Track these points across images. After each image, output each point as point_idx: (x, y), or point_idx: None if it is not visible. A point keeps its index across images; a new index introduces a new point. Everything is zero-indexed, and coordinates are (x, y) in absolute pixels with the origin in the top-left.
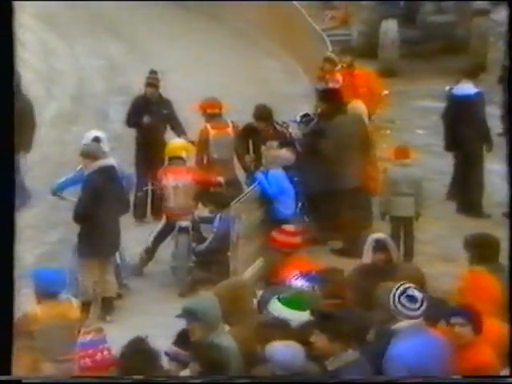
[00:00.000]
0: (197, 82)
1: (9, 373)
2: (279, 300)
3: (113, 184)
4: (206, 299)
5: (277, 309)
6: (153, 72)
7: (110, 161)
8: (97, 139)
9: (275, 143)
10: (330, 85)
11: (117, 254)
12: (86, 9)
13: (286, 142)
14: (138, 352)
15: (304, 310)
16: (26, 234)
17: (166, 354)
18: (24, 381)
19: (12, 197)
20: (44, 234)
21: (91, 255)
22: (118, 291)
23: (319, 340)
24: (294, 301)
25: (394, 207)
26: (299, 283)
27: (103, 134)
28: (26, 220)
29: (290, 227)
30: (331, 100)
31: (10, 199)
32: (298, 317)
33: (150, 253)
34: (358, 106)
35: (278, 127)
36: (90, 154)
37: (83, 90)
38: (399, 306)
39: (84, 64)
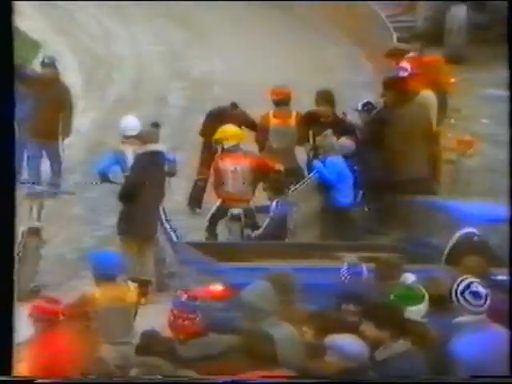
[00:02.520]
0: (259, 69)
1: (9, 373)
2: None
3: (158, 169)
4: (262, 287)
5: None
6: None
7: (160, 146)
8: (156, 125)
9: (330, 131)
10: (398, 73)
11: (173, 234)
12: None
13: (345, 130)
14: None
15: (418, 303)
16: (85, 218)
17: None
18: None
19: (12, 189)
20: (104, 217)
21: (128, 234)
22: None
23: (368, 329)
24: (407, 297)
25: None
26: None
27: (137, 120)
28: (86, 204)
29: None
30: (397, 89)
31: (10, 193)
32: (417, 312)
33: (210, 233)
34: (427, 95)
35: (338, 114)
36: (145, 138)
37: (143, 76)
38: (462, 301)
39: (144, 49)
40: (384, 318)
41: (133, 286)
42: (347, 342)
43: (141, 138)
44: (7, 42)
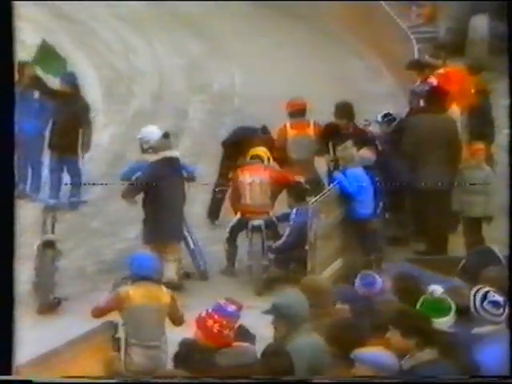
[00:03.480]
0: (278, 80)
1: (9, 373)
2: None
3: (174, 173)
4: (296, 296)
5: None
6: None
7: (175, 153)
8: (166, 135)
9: (350, 142)
10: (425, 86)
11: (190, 240)
12: (167, 8)
13: (365, 141)
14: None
15: (446, 315)
16: (105, 231)
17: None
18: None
19: (11, 196)
20: (123, 230)
21: (153, 241)
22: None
23: (393, 337)
24: (435, 308)
25: (468, 207)
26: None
27: (159, 130)
28: (105, 217)
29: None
30: (425, 98)
31: (9, 199)
32: (444, 322)
33: (230, 245)
34: (453, 107)
35: (358, 125)
36: (156, 148)
37: (163, 89)
38: (482, 312)
39: (165, 63)
40: (410, 327)
41: (166, 290)
42: (376, 355)
43: (153, 148)
44: (7, 43)
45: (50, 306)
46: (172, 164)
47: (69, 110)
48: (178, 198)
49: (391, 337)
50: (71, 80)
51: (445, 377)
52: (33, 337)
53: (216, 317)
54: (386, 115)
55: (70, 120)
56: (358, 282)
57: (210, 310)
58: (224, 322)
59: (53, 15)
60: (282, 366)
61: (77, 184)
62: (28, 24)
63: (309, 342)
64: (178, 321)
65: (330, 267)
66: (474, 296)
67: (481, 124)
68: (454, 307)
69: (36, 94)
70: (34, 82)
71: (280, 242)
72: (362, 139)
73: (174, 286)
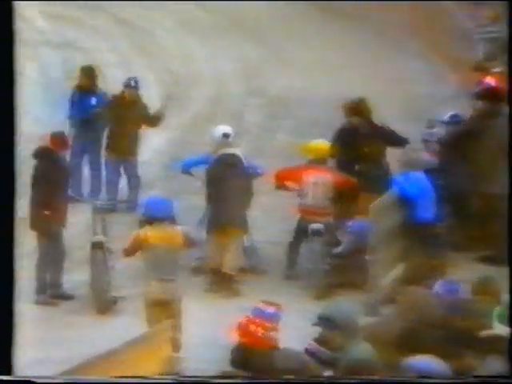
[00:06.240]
0: (336, 83)
1: (9, 373)
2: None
3: (237, 170)
4: (344, 306)
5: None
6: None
7: (235, 150)
8: (226, 135)
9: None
10: (487, 86)
11: (245, 237)
12: (223, 12)
13: (387, 136)
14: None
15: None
16: None
17: (307, 350)
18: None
19: (12, 191)
20: None
21: (215, 228)
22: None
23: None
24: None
25: None
26: (439, 290)
27: (231, 129)
28: None
29: None
30: (488, 100)
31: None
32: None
33: (291, 253)
34: None
35: (375, 123)
36: (216, 147)
37: (220, 93)
38: None
39: (222, 67)
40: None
41: (180, 229)
42: (426, 363)
43: (213, 147)
44: (7, 44)
45: (106, 305)
46: (233, 160)
47: (128, 113)
48: (241, 190)
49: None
50: (134, 85)
51: (445, 377)
52: (33, 337)
53: (258, 321)
54: (453, 116)
55: (129, 122)
56: (438, 288)
57: (250, 316)
58: (267, 325)
59: (113, 21)
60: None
61: (134, 186)
62: (89, 31)
63: (362, 350)
64: (191, 247)
65: (391, 272)
66: None
67: None
68: None
69: (93, 100)
70: (91, 88)
71: (339, 248)
72: (384, 136)
73: (231, 277)
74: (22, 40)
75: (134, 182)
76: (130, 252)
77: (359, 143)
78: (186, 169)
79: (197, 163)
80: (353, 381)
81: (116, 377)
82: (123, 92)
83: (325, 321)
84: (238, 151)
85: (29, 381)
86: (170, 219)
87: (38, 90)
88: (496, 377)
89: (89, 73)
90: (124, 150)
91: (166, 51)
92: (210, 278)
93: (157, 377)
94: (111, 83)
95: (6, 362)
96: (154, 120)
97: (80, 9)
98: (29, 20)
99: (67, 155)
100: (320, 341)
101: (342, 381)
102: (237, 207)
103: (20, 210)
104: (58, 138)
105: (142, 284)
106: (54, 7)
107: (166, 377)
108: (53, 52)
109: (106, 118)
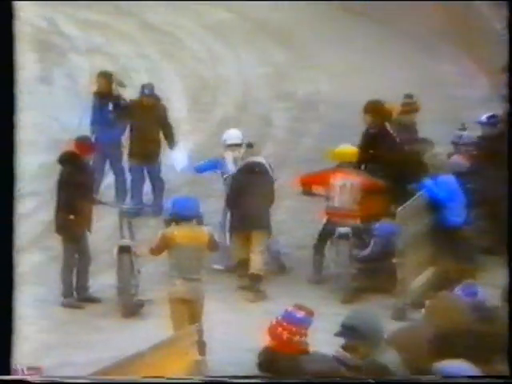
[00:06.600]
0: (365, 86)
1: (9, 373)
2: None
3: (261, 176)
4: (367, 314)
5: None
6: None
7: (259, 158)
8: (250, 145)
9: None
10: None
11: (272, 240)
12: (251, 17)
13: (459, 147)
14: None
15: None
16: None
17: (334, 357)
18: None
19: (11, 191)
20: None
21: (238, 229)
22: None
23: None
24: None
25: None
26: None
27: (240, 136)
28: None
29: None
30: None
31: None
32: None
33: (318, 252)
34: None
35: (387, 128)
36: (243, 156)
37: (248, 97)
38: None
39: (249, 71)
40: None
41: (206, 230)
42: (457, 367)
43: (239, 155)
44: (7, 44)
45: (133, 308)
46: (257, 168)
47: (148, 118)
48: (265, 196)
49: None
50: (150, 92)
51: (445, 377)
52: (60, 339)
53: (285, 324)
54: (491, 117)
55: (150, 127)
56: (459, 291)
57: (279, 318)
58: (293, 329)
59: (140, 26)
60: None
61: (159, 190)
62: (117, 36)
63: (388, 358)
64: (214, 250)
65: (420, 277)
66: None
67: None
68: None
69: (110, 105)
70: (109, 94)
71: (366, 251)
72: (383, 140)
73: (258, 278)
74: (50, 46)
75: (159, 186)
76: (156, 251)
77: (369, 144)
78: (200, 173)
79: (209, 167)
80: (367, 381)
81: (141, 376)
82: (141, 98)
83: (348, 330)
84: (261, 159)
85: (26, 381)
86: (198, 218)
87: (66, 96)
88: (496, 377)
89: (106, 78)
90: (146, 154)
91: (193, 56)
92: (237, 279)
93: (176, 377)
94: (139, 88)
95: (6, 362)
96: (169, 128)
97: (107, 14)
98: (56, 25)
99: (92, 160)
100: (346, 349)
101: (343, 381)
102: (261, 211)
103: (45, 214)
104: (83, 143)
105: (167, 283)
106: (82, 12)
107: (187, 378)
108: (81, 58)
109: (126, 123)
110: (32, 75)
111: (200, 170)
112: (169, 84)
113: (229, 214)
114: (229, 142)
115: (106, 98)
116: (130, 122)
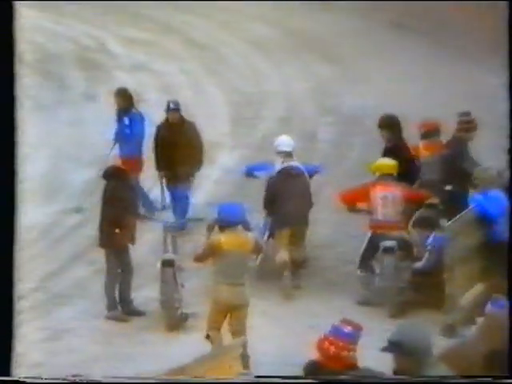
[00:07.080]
0: (410, 100)
1: (8, 373)
2: None
3: (295, 179)
4: (414, 329)
5: None
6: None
7: (293, 162)
8: (289, 155)
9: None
10: None
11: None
12: (295, 31)
13: (404, 156)
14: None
15: None
16: None
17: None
18: (26, 381)
19: (13, 192)
20: None
21: (280, 230)
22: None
23: None
24: None
25: None
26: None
27: (291, 142)
28: None
29: None
30: None
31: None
32: None
33: (364, 268)
34: None
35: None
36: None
37: (292, 112)
38: None
39: (293, 86)
40: None
41: (251, 236)
42: None
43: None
44: (8, 44)
45: (177, 322)
46: (294, 171)
47: (175, 136)
48: (301, 196)
49: None
50: (176, 109)
51: (445, 377)
52: (104, 352)
53: (332, 338)
54: None
55: (178, 145)
56: (489, 306)
57: (327, 332)
58: (340, 344)
59: (183, 43)
60: None
61: (181, 209)
62: (160, 53)
63: (440, 373)
64: (259, 254)
65: (469, 292)
66: None
67: None
68: None
69: (126, 119)
70: (127, 108)
71: (420, 264)
72: (402, 155)
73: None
74: (96, 64)
75: (181, 206)
76: (202, 258)
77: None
78: (250, 172)
79: (259, 169)
80: (369, 381)
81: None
82: (167, 117)
83: (394, 345)
84: (298, 163)
85: (22, 381)
86: (244, 224)
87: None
88: (496, 377)
89: (123, 94)
90: (181, 171)
91: (236, 71)
92: (279, 273)
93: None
94: (183, 105)
95: (6, 363)
96: (193, 148)
97: (151, 32)
98: (103, 44)
99: (139, 176)
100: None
101: (344, 381)
102: (299, 210)
103: (89, 228)
104: (133, 160)
105: (212, 289)
106: (126, 30)
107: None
108: (125, 75)
109: (156, 145)
110: (78, 92)
111: (251, 170)
112: (212, 100)
113: (266, 217)
114: (279, 149)
115: (123, 113)
116: (157, 139)
